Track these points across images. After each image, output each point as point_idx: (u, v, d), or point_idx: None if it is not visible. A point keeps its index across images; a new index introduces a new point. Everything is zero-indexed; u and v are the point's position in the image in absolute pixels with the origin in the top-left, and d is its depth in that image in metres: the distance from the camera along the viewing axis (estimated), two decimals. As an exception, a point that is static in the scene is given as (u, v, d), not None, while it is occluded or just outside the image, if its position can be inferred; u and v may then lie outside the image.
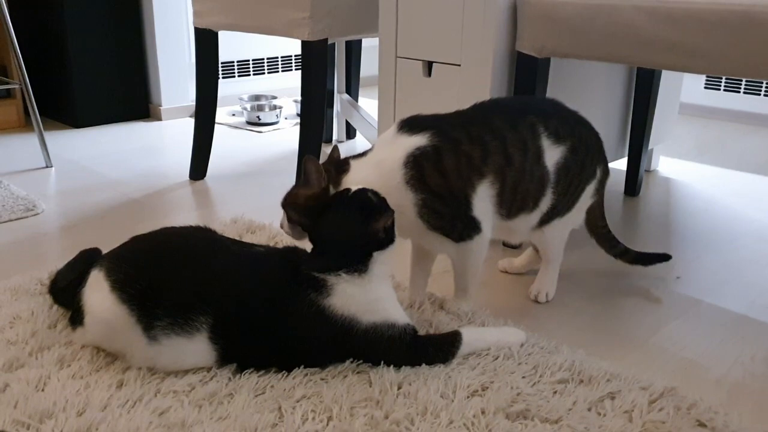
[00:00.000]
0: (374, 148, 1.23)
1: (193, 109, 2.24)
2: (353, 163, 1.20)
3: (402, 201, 1.16)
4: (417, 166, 1.15)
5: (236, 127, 2.92)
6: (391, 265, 1.14)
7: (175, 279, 1.06)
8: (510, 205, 1.22)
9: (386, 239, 1.10)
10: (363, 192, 1.11)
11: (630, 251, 1.50)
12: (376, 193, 1.11)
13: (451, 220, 1.18)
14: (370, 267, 1.09)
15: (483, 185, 1.18)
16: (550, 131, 1.24)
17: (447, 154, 1.16)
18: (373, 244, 1.09)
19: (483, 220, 1.20)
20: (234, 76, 3.28)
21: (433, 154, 1.16)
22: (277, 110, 2.98)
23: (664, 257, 1.53)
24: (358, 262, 1.08)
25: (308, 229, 1.14)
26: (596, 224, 1.46)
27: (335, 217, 1.11)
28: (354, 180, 1.17)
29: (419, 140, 1.17)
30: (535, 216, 1.27)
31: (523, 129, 1.23)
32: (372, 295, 1.09)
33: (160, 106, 3.00)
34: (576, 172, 1.28)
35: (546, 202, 1.26)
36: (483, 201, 1.19)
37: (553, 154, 1.24)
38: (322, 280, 1.07)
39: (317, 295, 1.07)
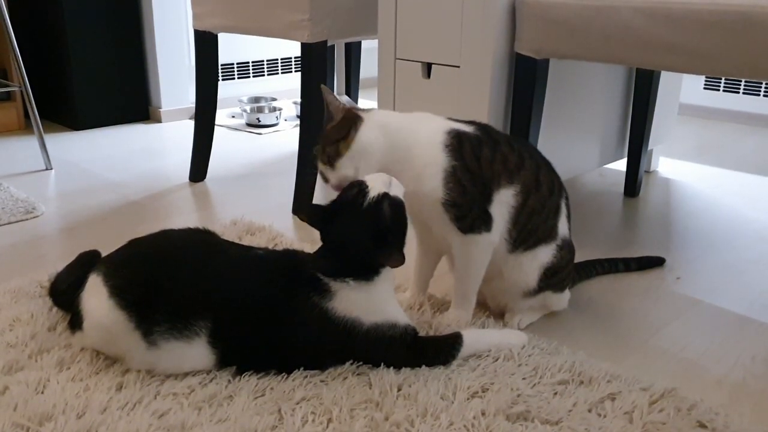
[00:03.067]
0: (412, 113, 1.23)
1: (193, 111, 2.25)
2: (383, 110, 1.21)
3: (433, 161, 1.15)
4: (458, 139, 1.16)
5: (236, 129, 2.92)
6: (391, 270, 1.12)
7: (174, 283, 1.06)
8: (520, 230, 1.19)
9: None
10: (379, 204, 1.06)
11: (630, 263, 1.55)
12: (393, 205, 1.07)
13: (471, 201, 1.15)
14: (376, 277, 1.08)
15: (509, 190, 1.17)
16: (568, 206, 1.28)
17: (486, 147, 1.18)
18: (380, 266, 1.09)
19: (495, 221, 1.18)
20: (234, 78, 3.28)
21: (475, 140, 1.18)
22: (277, 112, 2.98)
23: (659, 261, 1.59)
24: (366, 272, 1.08)
25: (320, 229, 1.12)
26: (591, 274, 1.51)
27: (347, 228, 1.08)
28: (384, 117, 1.18)
29: (464, 126, 1.20)
30: (528, 264, 1.23)
31: (556, 180, 1.25)
32: (376, 297, 1.09)
33: (160, 108, 3.00)
34: (572, 256, 1.29)
35: (544, 255, 1.23)
36: (502, 206, 1.18)
37: (563, 222, 1.26)
38: (327, 284, 1.07)
39: (320, 297, 1.06)
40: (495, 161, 1.17)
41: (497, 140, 1.20)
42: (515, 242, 1.20)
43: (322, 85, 1.22)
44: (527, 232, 1.20)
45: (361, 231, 1.07)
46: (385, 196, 1.07)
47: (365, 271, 1.08)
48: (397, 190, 1.09)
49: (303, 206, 1.11)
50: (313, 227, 1.12)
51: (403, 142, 1.16)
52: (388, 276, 1.11)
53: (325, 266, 1.08)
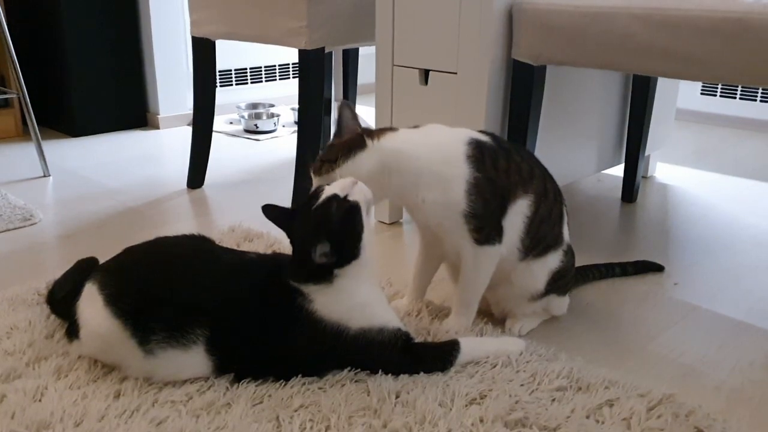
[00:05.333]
0: (422, 127, 1.22)
1: (191, 117, 2.25)
2: (402, 129, 1.21)
3: (456, 173, 1.14)
4: (479, 149, 1.16)
5: (234, 136, 2.92)
6: (372, 269, 1.11)
7: (170, 291, 1.06)
8: (532, 237, 1.19)
9: (344, 259, 1.06)
10: (327, 206, 1.05)
11: (626, 267, 1.55)
12: (343, 208, 1.05)
13: (491, 214, 1.15)
14: (334, 280, 1.06)
15: (525, 200, 1.17)
16: (567, 212, 1.28)
17: (501, 157, 1.18)
18: (325, 266, 1.06)
19: (507, 232, 1.18)
20: (231, 85, 3.28)
21: (492, 150, 1.18)
22: (275, 118, 2.99)
23: (657, 266, 1.58)
24: (320, 276, 1.06)
25: (285, 231, 1.12)
26: (589, 279, 1.52)
27: (299, 230, 1.09)
28: (400, 137, 1.18)
29: (480, 135, 1.20)
30: (539, 271, 1.23)
31: (555, 186, 1.25)
32: (351, 301, 1.07)
33: (158, 114, 3.00)
34: (574, 260, 1.30)
35: (553, 261, 1.23)
36: (516, 216, 1.18)
37: (566, 230, 1.27)
38: (297, 289, 1.07)
39: (303, 300, 1.06)
40: (511, 171, 1.17)
41: (508, 150, 1.20)
42: (527, 250, 1.21)
43: (343, 101, 1.22)
44: (538, 239, 1.21)
45: (308, 232, 1.06)
46: (334, 198, 1.05)
47: (320, 273, 1.06)
48: (358, 195, 1.07)
49: (269, 207, 1.11)
50: (278, 225, 1.12)
51: (420, 161, 1.15)
52: (362, 277, 1.09)
53: (291, 271, 1.08)
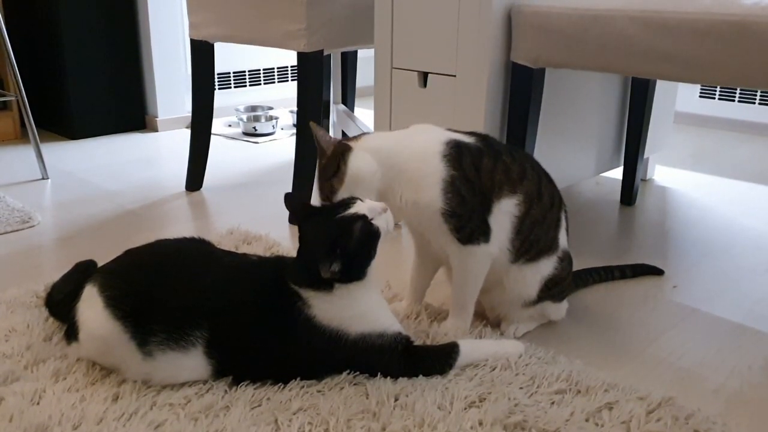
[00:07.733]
0: (409, 128, 1.23)
1: (190, 120, 2.25)
2: (382, 132, 1.21)
3: (432, 171, 1.14)
4: (458, 150, 1.16)
5: (233, 138, 2.92)
6: (374, 277, 1.11)
7: (169, 293, 1.06)
8: (523, 240, 1.19)
9: (349, 278, 1.06)
10: (352, 222, 1.04)
11: (625, 270, 1.55)
12: (366, 231, 1.05)
13: (470, 212, 1.15)
14: (335, 290, 1.06)
15: (511, 199, 1.17)
16: (567, 219, 1.28)
17: (487, 158, 1.17)
18: (329, 280, 1.05)
19: (495, 231, 1.18)
20: (230, 87, 3.28)
21: (476, 151, 1.17)
22: (274, 121, 2.99)
23: (657, 271, 1.58)
24: (320, 284, 1.06)
25: (298, 225, 1.12)
26: (587, 282, 1.51)
27: (313, 231, 1.08)
28: (381, 137, 1.19)
29: (465, 137, 1.19)
30: (531, 277, 1.22)
31: (556, 192, 1.25)
32: (351, 310, 1.07)
33: (157, 117, 3.00)
34: (571, 267, 1.29)
35: (546, 267, 1.23)
36: (504, 215, 1.17)
37: (563, 234, 1.26)
38: (298, 293, 1.06)
39: (302, 304, 1.06)
40: (496, 171, 1.17)
41: (499, 150, 1.20)
42: (518, 252, 1.20)
43: (311, 122, 1.22)
44: (529, 242, 1.20)
45: (323, 242, 1.05)
46: (362, 218, 1.05)
47: (320, 281, 1.05)
48: (381, 222, 1.07)
49: (292, 197, 1.11)
50: (294, 217, 1.12)
51: (399, 158, 1.16)
52: (364, 288, 1.08)
53: (292, 273, 1.08)
